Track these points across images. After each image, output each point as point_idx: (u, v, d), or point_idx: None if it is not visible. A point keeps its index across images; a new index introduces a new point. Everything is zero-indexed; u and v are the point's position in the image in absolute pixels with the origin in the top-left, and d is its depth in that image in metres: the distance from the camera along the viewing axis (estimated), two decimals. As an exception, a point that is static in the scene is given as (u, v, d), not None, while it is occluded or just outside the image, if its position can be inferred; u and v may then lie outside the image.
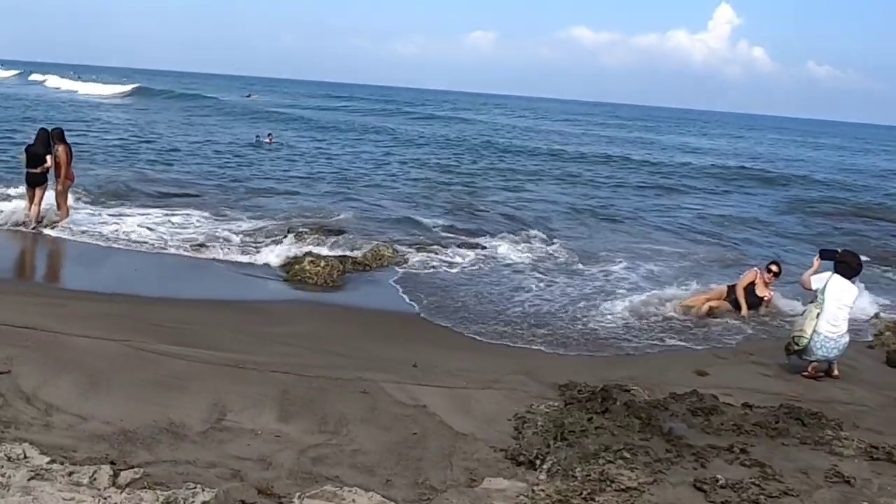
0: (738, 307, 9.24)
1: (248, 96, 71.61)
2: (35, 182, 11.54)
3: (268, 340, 7.20)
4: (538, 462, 5.16)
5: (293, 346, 7.16)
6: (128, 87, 62.99)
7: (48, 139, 11.67)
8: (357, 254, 11.07)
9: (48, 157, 11.52)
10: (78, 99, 51.40)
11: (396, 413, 5.70)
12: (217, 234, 11.95)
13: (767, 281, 9.33)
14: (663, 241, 14.73)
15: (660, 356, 7.89)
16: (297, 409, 5.52)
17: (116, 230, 11.70)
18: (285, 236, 11.68)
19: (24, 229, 11.36)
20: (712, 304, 9.23)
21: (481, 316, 8.81)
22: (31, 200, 11.58)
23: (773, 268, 9.42)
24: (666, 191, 23.66)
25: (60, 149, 11.69)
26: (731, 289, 9.43)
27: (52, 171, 11.58)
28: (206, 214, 13.31)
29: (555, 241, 13.45)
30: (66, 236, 11.21)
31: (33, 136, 11.94)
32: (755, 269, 9.65)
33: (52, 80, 74.47)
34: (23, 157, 11.77)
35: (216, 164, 21.19)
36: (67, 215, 11.78)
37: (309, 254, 10.59)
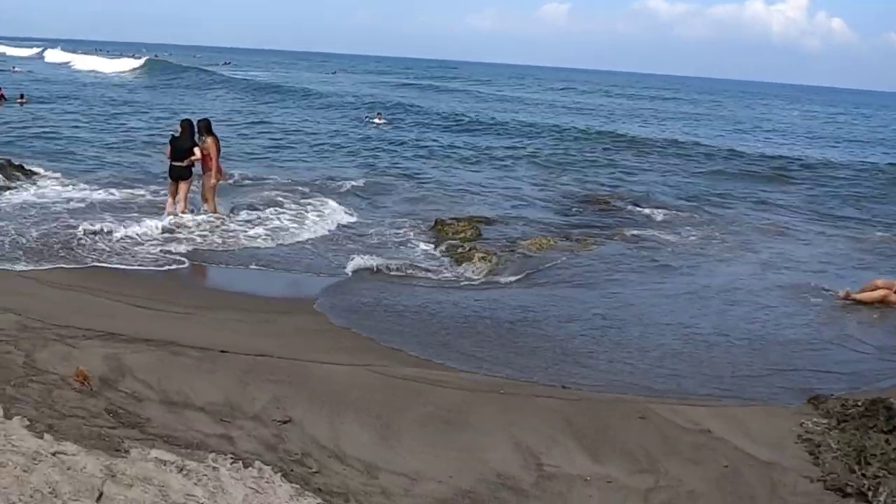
0: None
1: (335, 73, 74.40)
2: (179, 176, 11.00)
3: (504, 357, 6.77)
4: (870, 494, 4.85)
5: (530, 358, 6.76)
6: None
7: (193, 130, 11.05)
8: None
9: (196, 150, 10.90)
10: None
11: (690, 441, 5.32)
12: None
13: None
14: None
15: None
16: (596, 444, 5.14)
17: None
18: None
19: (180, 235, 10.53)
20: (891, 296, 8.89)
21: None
22: (173, 196, 11.03)
23: None
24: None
25: (209, 140, 11.07)
26: None
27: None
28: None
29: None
30: (260, 243, 10.28)
31: (177, 128, 11.32)
32: None
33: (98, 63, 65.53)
34: (167, 149, 11.22)
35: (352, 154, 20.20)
36: (216, 212, 11.20)
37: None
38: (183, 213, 10.90)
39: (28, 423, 3.80)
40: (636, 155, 23.60)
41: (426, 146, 22.39)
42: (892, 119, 58.71)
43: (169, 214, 10.84)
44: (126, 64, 61.68)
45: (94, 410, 4.50)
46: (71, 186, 12.97)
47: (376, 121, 26.59)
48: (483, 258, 10.17)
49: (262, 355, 6.02)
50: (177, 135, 11.15)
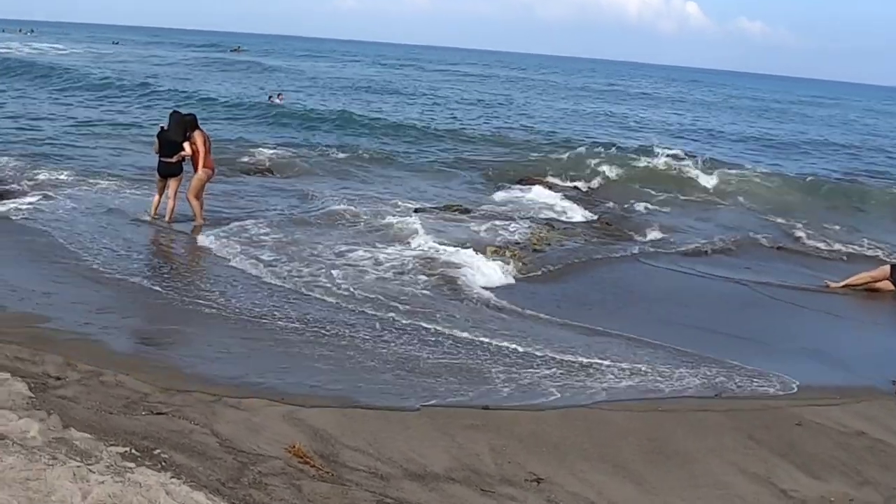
0: None
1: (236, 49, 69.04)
2: (169, 172, 10.13)
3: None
4: None
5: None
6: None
7: (184, 123, 10.12)
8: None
9: (186, 145, 10.02)
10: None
11: (861, 445, 5.57)
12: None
13: None
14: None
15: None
16: (800, 460, 5.26)
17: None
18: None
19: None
20: (876, 283, 9.88)
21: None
22: (160, 193, 10.28)
23: None
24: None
25: (197, 136, 10.13)
26: (895, 268, 9.95)
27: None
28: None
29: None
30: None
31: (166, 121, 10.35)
32: None
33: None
34: (155, 143, 10.26)
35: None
36: (200, 214, 10.31)
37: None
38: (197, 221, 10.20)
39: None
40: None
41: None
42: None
43: (153, 214, 10.22)
44: None
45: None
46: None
47: (277, 100, 26.48)
48: (495, 251, 9.96)
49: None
50: (166, 128, 10.16)
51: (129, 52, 55.94)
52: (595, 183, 16.59)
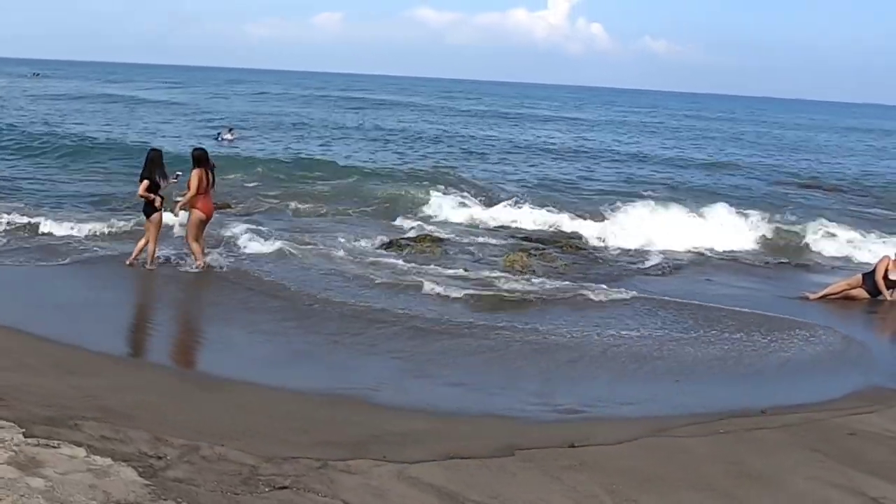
0: (876, 293, 10.49)
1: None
2: (143, 212, 10.11)
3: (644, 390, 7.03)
4: None
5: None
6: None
7: (153, 160, 9.98)
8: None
9: (141, 184, 9.93)
10: None
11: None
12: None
13: None
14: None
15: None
16: (862, 465, 5.54)
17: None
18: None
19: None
20: (850, 291, 10.57)
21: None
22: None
23: None
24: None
25: (193, 174, 9.91)
26: (866, 277, 10.64)
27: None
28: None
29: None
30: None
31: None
32: (887, 256, 10.84)
33: None
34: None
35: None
36: (197, 256, 10.11)
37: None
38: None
39: None
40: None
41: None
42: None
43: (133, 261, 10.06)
44: None
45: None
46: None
47: (227, 136, 24.61)
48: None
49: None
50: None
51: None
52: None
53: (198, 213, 9.95)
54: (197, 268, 9.99)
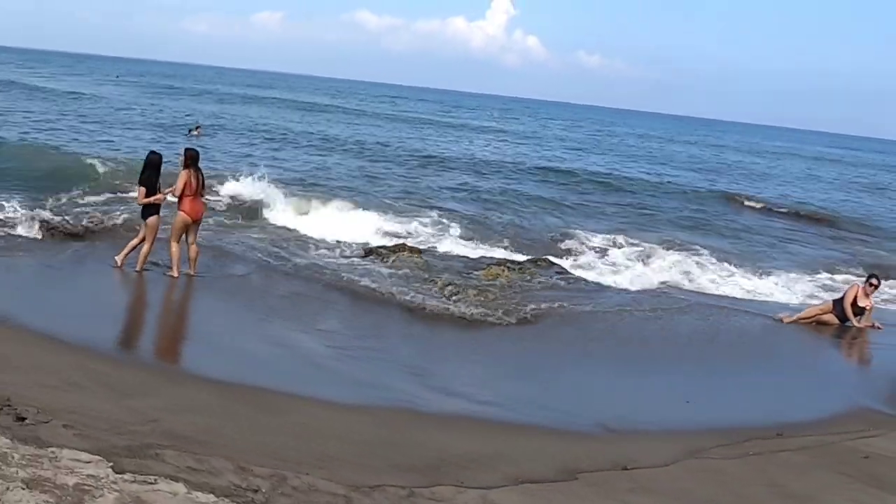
0: (844, 319, 10.99)
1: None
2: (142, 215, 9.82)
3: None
4: None
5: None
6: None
7: (153, 163, 9.73)
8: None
9: (141, 188, 9.70)
10: None
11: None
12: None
13: (869, 293, 11.08)
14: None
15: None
16: (888, 487, 6.05)
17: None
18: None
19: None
20: (822, 316, 11.14)
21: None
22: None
23: (874, 281, 11.27)
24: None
25: (181, 174, 9.70)
26: (836, 303, 11.22)
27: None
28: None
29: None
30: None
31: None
32: (856, 283, 11.49)
33: None
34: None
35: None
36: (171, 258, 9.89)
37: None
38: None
39: None
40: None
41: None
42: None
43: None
44: None
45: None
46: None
47: (195, 133, 26.13)
48: (477, 294, 10.26)
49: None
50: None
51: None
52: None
53: (182, 216, 9.72)
54: (169, 274, 9.75)
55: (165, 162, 10.05)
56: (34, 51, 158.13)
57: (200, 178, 9.92)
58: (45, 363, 6.39)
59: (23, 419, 4.99)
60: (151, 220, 9.69)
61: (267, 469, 4.90)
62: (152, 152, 10.09)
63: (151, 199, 9.63)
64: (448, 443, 5.92)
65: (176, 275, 9.71)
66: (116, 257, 9.81)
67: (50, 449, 4.49)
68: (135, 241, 9.83)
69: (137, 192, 9.80)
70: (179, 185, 9.69)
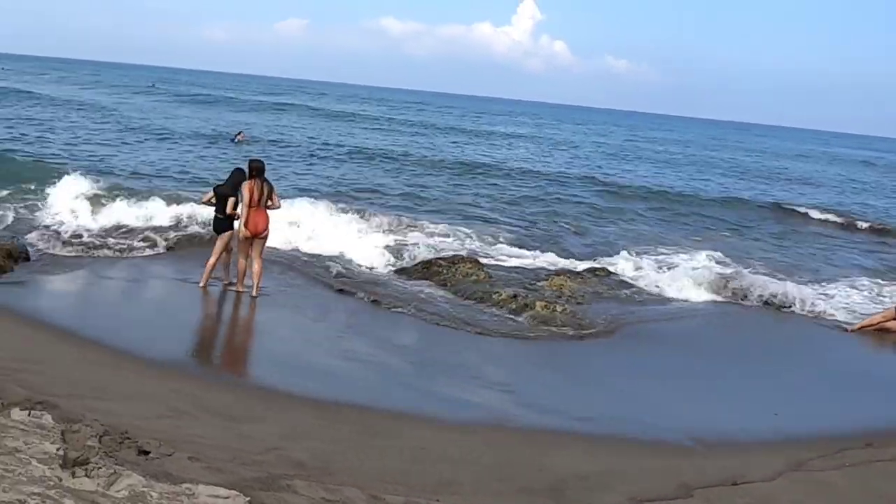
0: None
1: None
2: (219, 228, 9.91)
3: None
4: None
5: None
6: None
7: (240, 176, 9.74)
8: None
9: (230, 200, 9.72)
10: None
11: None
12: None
13: None
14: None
15: None
16: None
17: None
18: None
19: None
20: (885, 323, 11.15)
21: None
22: (216, 254, 9.84)
23: None
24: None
25: (244, 186, 9.57)
26: None
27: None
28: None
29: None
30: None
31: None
32: None
33: None
34: (206, 195, 10.19)
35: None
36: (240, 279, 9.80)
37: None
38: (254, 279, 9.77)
39: None
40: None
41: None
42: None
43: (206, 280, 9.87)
44: None
45: None
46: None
47: (238, 139, 27.66)
48: (545, 306, 10.20)
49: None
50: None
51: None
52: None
53: (240, 230, 9.63)
54: (232, 289, 9.82)
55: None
56: (51, 59, 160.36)
57: (265, 189, 9.62)
58: (143, 389, 6.36)
59: (146, 452, 4.90)
60: (226, 234, 9.75)
61: (400, 497, 4.91)
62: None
63: (232, 212, 9.70)
64: (559, 462, 5.93)
65: (240, 289, 9.70)
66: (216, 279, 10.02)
67: (185, 485, 4.38)
68: (212, 261, 9.89)
69: (227, 204, 9.83)
70: (246, 196, 9.54)
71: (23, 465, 4.13)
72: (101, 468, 4.33)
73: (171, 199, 13.50)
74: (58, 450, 4.40)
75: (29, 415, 4.94)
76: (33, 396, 5.40)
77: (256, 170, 9.62)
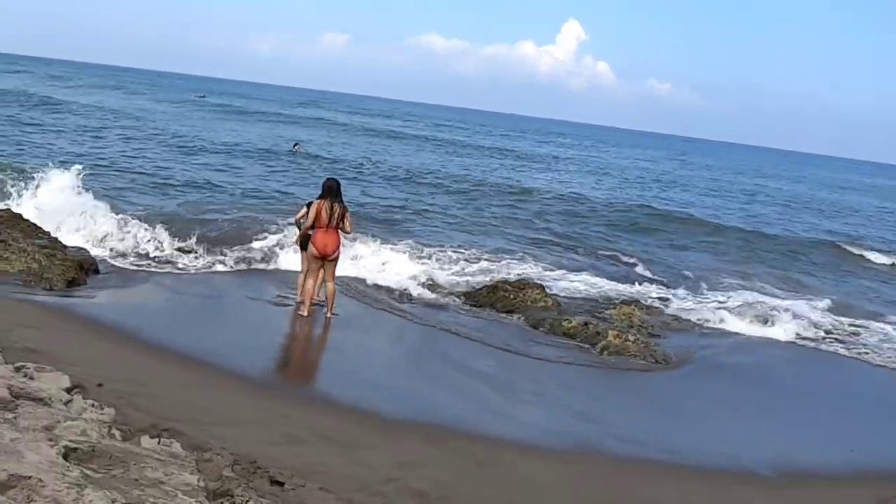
0: None
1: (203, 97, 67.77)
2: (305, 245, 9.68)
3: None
4: None
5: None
6: None
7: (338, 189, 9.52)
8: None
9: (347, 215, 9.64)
10: None
11: None
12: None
13: None
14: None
15: None
16: None
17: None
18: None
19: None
20: None
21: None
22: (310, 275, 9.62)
23: None
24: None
25: (313, 206, 9.39)
26: None
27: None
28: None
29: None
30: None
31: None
32: None
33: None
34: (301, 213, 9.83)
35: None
36: (307, 301, 9.63)
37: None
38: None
39: None
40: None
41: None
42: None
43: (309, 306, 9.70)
44: None
45: None
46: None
47: (295, 149, 30.61)
48: (617, 336, 10.28)
49: None
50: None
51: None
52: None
53: (310, 249, 9.47)
54: (301, 313, 9.57)
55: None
56: (93, 65, 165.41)
57: (338, 210, 9.36)
58: (252, 414, 6.34)
59: (280, 483, 4.82)
60: (312, 249, 9.52)
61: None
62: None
63: (306, 231, 9.57)
64: (662, 495, 6.10)
65: (306, 313, 9.51)
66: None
67: (327, 520, 4.22)
68: (304, 281, 9.76)
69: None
70: (312, 214, 9.33)
71: (170, 497, 3.89)
72: (248, 501, 4.25)
73: (235, 211, 14.01)
74: (198, 481, 4.21)
75: (159, 442, 4.71)
76: (158, 423, 5.33)
77: (330, 189, 9.41)
